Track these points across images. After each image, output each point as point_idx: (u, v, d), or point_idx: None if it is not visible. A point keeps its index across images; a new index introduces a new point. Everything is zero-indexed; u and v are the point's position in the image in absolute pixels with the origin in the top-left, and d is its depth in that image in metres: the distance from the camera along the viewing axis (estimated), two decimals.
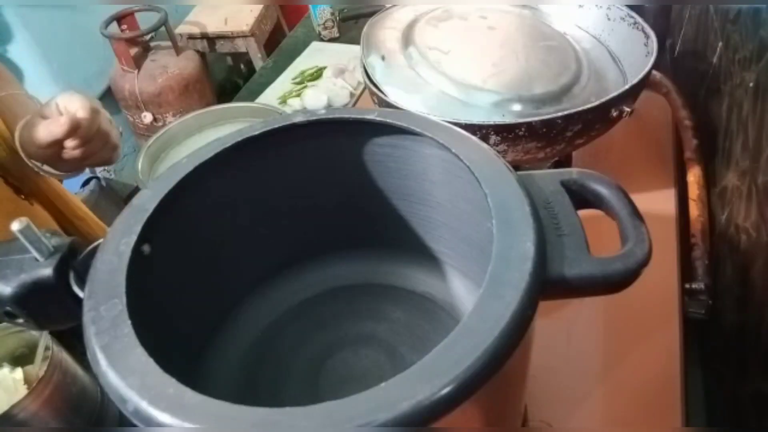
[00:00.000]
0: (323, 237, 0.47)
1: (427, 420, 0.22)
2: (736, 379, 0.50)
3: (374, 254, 0.48)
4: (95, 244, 0.32)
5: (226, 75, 2.29)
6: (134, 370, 0.25)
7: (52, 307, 0.32)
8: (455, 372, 0.23)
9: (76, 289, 0.31)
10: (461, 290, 0.46)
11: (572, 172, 0.34)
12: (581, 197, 0.33)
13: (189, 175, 0.35)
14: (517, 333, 0.25)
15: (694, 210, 0.63)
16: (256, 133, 0.38)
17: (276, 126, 0.39)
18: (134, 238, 0.31)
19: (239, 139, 0.38)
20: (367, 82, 0.66)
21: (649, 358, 0.52)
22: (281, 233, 0.45)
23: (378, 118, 0.38)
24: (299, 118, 0.39)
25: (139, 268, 0.30)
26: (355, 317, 0.47)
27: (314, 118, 0.39)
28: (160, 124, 1.77)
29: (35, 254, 0.31)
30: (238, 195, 0.41)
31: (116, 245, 0.31)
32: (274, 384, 0.43)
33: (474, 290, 0.45)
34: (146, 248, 0.32)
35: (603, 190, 0.33)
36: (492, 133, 0.56)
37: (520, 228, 0.29)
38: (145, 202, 0.33)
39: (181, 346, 0.39)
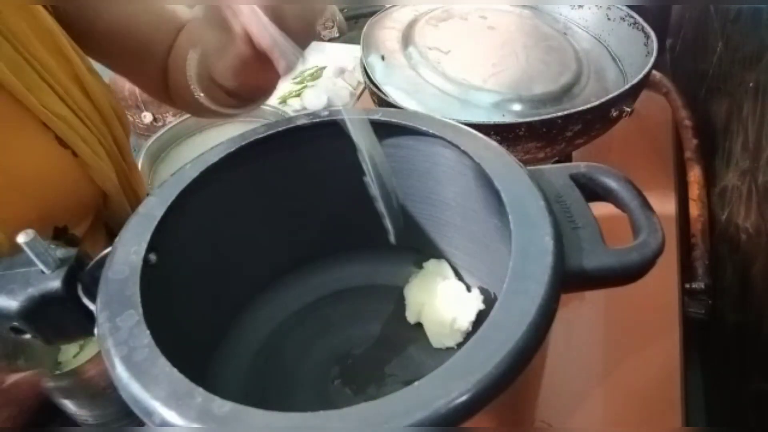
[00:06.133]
0: (326, 239, 0.47)
1: (463, 417, 0.22)
2: (736, 379, 0.50)
3: (377, 255, 0.48)
4: (102, 254, 0.32)
5: None
6: (158, 380, 0.24)
7: (61, 320, 0.31)
8: (488, 368, 0.23)
9: (85, 300, 0.30)
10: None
11: (580, 166, 0.34)
12: (590, 190, 0.34)
13: (194, 182, 0.35)
14: (543, 326, 0.25)
15: (694, 210, 0.63)
16: (260, 136, 0.38)
17: (279, 129, 0.38)
18: (144, 246, 0.31)
19: (243, 143, 0.37)
20: (367, 82, 0.66)
21: (649, 358, 0.52)
22: (285, 236, 0.45)
23: (383, 118, 0.38)
24: (302, 121, 0.39)
25: (145, 277, 0.30)
26: (360, 319, 0.46)
27: (317, 119, 0.38)
28: (160, 124, 1.76)
29: (41, 267, 0.30)
30: (242, 199, 0.41)
31: (126, 255, 0.30)
32: (283, 391, 0.43)
33: (472, 282, 0.45)
34: (152, 257, 0.32)
35: (612, 182, 0.33)
36: (492, 133, 0.56)
37: (537, 222, 0.29)
38: (152, 210, 0.33)
39: (187, 355, 0.39)
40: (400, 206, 0.34)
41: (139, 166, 0.82)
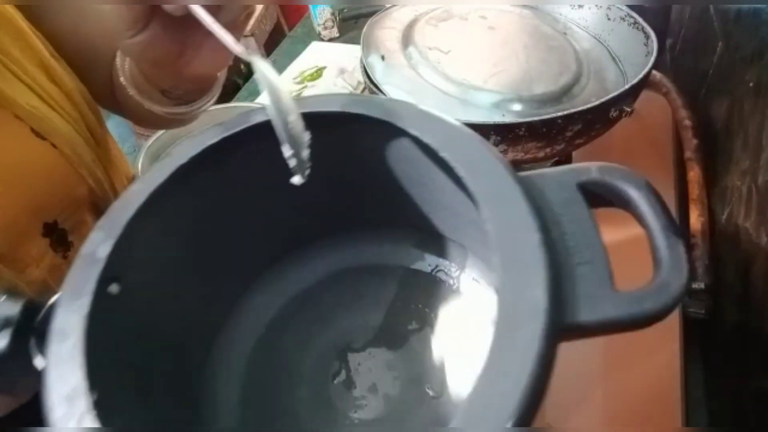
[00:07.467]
0: (324, 221, 0.45)
1: None
2: (737, 379, 0.50)
3: (377, 234, 0.47)
4: (52, 301, 0.29)
5: (226, 75, 2.28)
6: None
7: (13, 379, 0.29)
8: None
9: (36, 360, 0.28)
10: (469, 268, 0.44)
11: (591, 170, 0.28)
12: (602, 198, 0.28)
13: (161, 188, 0.32)
14: (530, 411, 0.21)
15: (694, 210, 0.63)
16: (244, 126, 0.35)
17: (257, 122, 0.35)
18: (87, 301, 0.27)
19: (199, 149, 0.35)
20: (367, 82, 0.66)
21: (650, 358, 0.52)
22: (279, 221, 0.43)
23: (363, 112, 0.34)
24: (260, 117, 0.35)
25: (110, 308, 0.28)
26: (361, 305, 0.45)
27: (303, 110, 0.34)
28: None
29: None
30: (223, 194, 0.39)
31: (69, 312, 0.27)
32: (283, 390, 0.42)
33: (480, 267, 0.43)
34: (114, 288, 0.29)
35: (632, 192, 0.27)
36: (492, 133, 0.56)
37: (529, 266, 0.24)
38: (96, 251, 0.29)
39: (181, 358, 0.39)
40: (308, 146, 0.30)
41: (139, 166, 0.82)
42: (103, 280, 0.29)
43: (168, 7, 0.32)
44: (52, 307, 0.28)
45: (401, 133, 0.34)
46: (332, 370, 0.42)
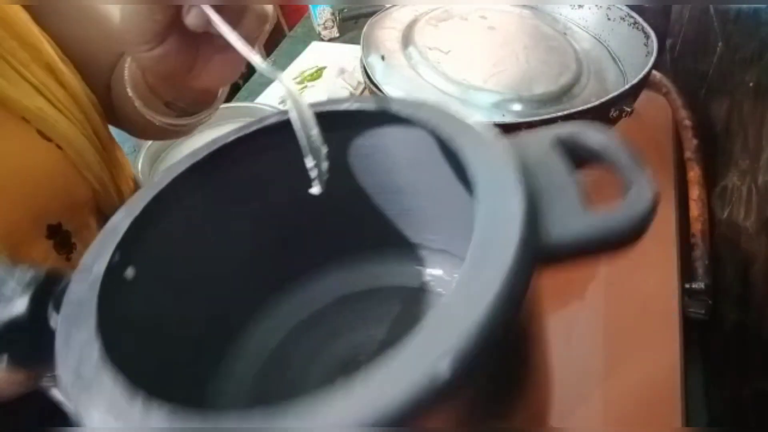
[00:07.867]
0: (329, 244, 0.46)
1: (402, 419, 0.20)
2: (737, 379, 0.50)
3: (382, 256, 0.47)
4: (75, 273, 0.30)
5: None
6: (101, 393, 0.23)
7: (32, 346, 0.29)
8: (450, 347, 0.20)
9: (53, 323, 0.28)
10: None
11: (565, 127, 0.31)
12: (577, 155, 0.30)
13: (168, 188, 0.34)
14: (510, 304, 0.22)
15: (694, 210, 0.63)
16: (230, 140, 0.36)
17: (250, 130, 0.36)
18: (104, 264, 0.29)
19: (213, 148, 0.36)
20: (367, 82, 0.66)
21: (649, 358, 0.52)
22: (276, 247, 0.44)
23: (333, 108, 0.36)
24: (273, 119, 0.36)
25: (121, 294, 0.29)
26: (366, 324, 0.46)
27: (285, 117, 0.35)
28: None
29: (5, 289, 0.28)
30: (231, 206, 0.39)
31: (88, 273, 0.29)
32: (286, 402, 0.42)
33: None
34: (130, 272, 0.31)
35: (598, 140, 0.30)
36: None
37: (505, 188, 0.26)
38: (118, 223, 0.31)
39: (183, 372, 0.39)
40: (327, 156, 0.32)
41: (139, 166, 0.82)
42: (121, 251, 0.30)
43: (189, 23, 0.33)
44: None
45: (392, 127, 0.35)
46: (337, 383, 0.42)
